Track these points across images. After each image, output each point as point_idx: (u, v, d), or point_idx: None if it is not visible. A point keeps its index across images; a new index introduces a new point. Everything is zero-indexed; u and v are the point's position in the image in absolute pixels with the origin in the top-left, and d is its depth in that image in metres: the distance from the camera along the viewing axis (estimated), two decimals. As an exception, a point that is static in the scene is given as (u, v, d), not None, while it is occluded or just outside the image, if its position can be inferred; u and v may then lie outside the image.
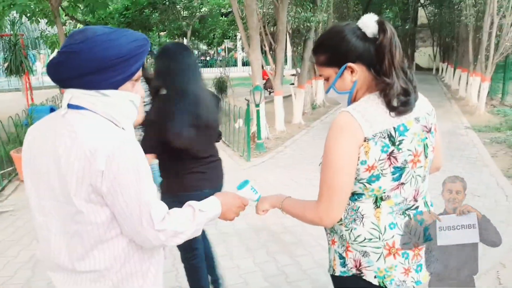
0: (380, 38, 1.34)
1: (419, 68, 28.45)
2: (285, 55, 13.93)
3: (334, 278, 1.53)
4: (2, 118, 6.70)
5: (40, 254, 1.35)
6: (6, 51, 7.90)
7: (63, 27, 7.98)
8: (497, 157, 6.74)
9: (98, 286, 1.26)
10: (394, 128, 1.34)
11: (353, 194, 1.41)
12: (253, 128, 7.73)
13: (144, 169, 1.22)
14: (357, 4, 16.31)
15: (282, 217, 3.86)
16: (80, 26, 19.85)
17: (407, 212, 1.44)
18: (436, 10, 22.84)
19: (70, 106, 1.24)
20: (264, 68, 9.09)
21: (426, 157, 1.44)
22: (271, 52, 9.32)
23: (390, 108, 1.33)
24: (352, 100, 1.44)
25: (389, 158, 1.34)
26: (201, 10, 20.97)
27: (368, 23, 1.37)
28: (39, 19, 9.42)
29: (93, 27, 1.24)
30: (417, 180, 1.43)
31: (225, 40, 25.96)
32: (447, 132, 8.65)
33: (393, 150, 1.34)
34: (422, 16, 26.61)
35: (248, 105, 7.78)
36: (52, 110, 6.91)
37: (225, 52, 34.63)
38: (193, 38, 24.36)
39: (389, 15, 18.14)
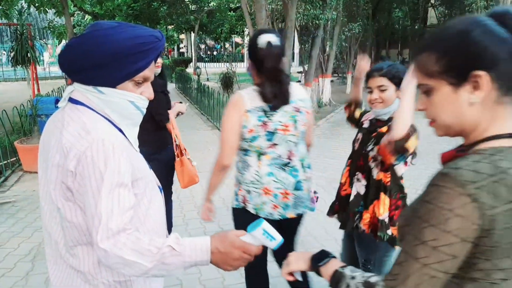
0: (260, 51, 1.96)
1: (427, 69, 28.22)
2: (293, 52, 13.86)
3: (232, 209, 2.19)
4: (7, 108, 6.68)
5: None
6: (13, 41, 7.88)
7: (71, 18, 7.96)
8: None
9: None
10: (268, 105, 1.99)
11: (244, 150, 2.05)
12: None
13: (112, 177, 1.09)
14: (367, 3, 16.17)
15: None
16: (88, 17, 19.88)
17: (284, 167, 2.05)
18: (446, 11, 22.62)
19: (70, 99, 1.23)
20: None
21: (296, 128, 2.03)
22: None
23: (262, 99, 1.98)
24: None
25: (263, 125, 1.97)
26: (210, 5, 20.91)
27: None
28: (47, 9, 9.41)
29: (103, 22, 1.20)
30: (289, 144, 2.05)
31: (233, 36, 25.89)
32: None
33: (265, 120, 1.97)
34: (432, 16, 26.37)
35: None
36: (57, 101, 6.89)
37: (232, 47, 34.55)
38: (201, 33, 24.33)
39: (398, 15, 17.98)
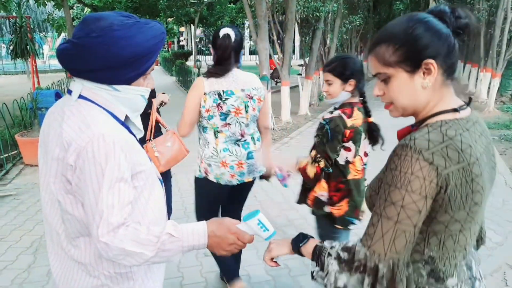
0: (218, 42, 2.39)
1: (428, 61, 28.12)
2: (293, 45, 13.80)
3: (195, 178, 2.58)
4: (8, 101, 6.67)
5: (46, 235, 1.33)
6: (12, 34, 7.84)
7: (70, 10, 7.92)
8: (506, 155, 6.65)
9: (89, 280, 1.23)
10: (223, 91, 2.37)
11: (204, 127, 2.45)
12: (259, 118, 7.67)
13: (112, 173, 1.10)
14: (368, -5, 16.11)
15: (286, 209, 3.82)
16: (87, 9, 19.76)
17: (237, 142, 2.48)
18: (448, 4, 22.47)
19: (70, 93, 1.22)
20: (271, 57, 8.98)
21: (246, 112, 2.45)
22: (279, 41, 9.20)
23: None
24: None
25: (217, 107, 2.37)
26: (210, -3, 20.74)
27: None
28: (46, 2, 9.35)
29: (109, 16, 1.16)
30: (240, 124, 2.45)
31: (233, 28, 25.75)
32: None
33: (220, 103, 2.36)
34: (438, 5, 26.20)
35: (254, 94, 7.73)
36: (57, 94, 6.87)
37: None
38: (201, 25, 24.21)
39: (399, 7, 17.89)
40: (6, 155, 5.81)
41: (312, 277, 1.16)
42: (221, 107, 2.37)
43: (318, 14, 9.49)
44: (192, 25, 22.67)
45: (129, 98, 1.23)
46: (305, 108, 10.08)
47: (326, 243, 1.16)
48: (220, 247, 1.25)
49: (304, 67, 11.38)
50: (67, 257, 1.24)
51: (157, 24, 1.24)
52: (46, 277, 3.08)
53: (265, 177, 2.73)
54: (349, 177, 2.17)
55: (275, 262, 1.32)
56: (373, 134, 2.18)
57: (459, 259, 1.08)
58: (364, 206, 2.23)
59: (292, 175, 2.51)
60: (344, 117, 2.09)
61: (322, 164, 2.11)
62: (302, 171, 2.17)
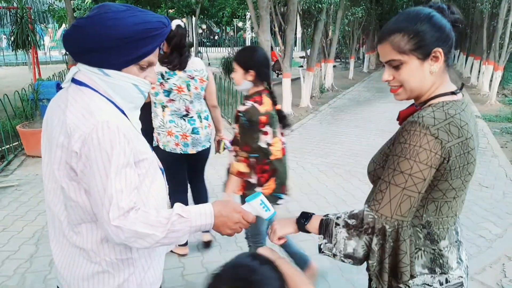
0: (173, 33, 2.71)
1: (430, 54, 27.95)
2: (295, 37, 13.73)
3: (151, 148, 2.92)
4: (9, 92, 6.67)
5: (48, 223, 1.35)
6: (12, 25, 7.81)
7: (71, 1, 7.89)
8: (507, 147, 6.64)
9: (90, 266, 1.25)
10: (165, 71, 2.79)
11: (154, 103, 2.92)
12: (260, 110, 7.66)
13: (118, 158, 1.12)
14: (370, -14, 15.98)
15: (286, 201, 3.85)
16: (88, 0, 19.66)
17: (183, 117, 2.93)
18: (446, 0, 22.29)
19: (74, 80, 1.23)
20: (273, 49, 8.94)
21: (188, 90, 2.89)
22: (280, 33, 9.16)
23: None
24: None
25: (160, 85, 2.81)
26: (211, -12, 20.60)
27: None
28: (47, -7, 9.29)
29: (111, 4, 1.20)
30: (184, 101, 2.91)
31: (234, 20, 25.64)
32: (457, 121, 8.52)
33: (162, 82, 2.80)
34: (437, 1, 26.00)
35: (255, 86, 7.70)
36: (58, 85, 6.87)
37: (234, 31, 34.23)
38: (202, 17, 24.10)
39: (402, -1, 17.81)
40: (8, 146, 5.82)
41: (320, 250, 1.24)
42: (163, 85, 2.82)
43: (320, 5, 9.44)
44: (193, 16, 22.55)
45: (120, 85, 1.22)
46: (307, 100, 10.05)
47: (331, 215, 1.26)
48: (226, 226, 1.30)
49: (305, 59, 11.33)
50: (69, 244, 1.25)
51: (154, 14, 1.23)
52: (48, 266, 3.11)
53: (216, 149, 3.28)
54: (272, 157, 2.34)
55: (282, 238, 1.40)
56: (282, 119, 2.42)
57: (450, 223, 1.25)
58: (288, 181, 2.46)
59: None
60: (257, 105, 2.26)
61: (244, 154, 2.30)
62: (238, 174, 2.33)
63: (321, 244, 1.24)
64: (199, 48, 20.02)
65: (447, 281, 1.23)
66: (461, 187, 1.20)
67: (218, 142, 3.27)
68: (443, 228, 1.23)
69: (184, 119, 2.93)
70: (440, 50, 1.18)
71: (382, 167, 1.24)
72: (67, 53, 1.33)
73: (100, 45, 1.15)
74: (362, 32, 18.96)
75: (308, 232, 1.33)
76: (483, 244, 3.53)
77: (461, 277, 1.26)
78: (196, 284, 2.96)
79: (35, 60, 8.80)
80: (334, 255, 1.22)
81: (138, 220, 1.13)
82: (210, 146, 3.14)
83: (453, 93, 1.22)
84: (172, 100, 2.87)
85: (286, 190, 2.46)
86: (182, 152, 2.96)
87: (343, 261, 1.21)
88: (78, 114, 1.14)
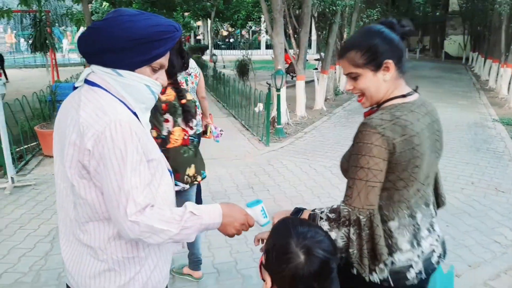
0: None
1: (448, 56, 27.58)
2: (309, 39, 13.69)
3: None
4: (28, 93, 6.82)
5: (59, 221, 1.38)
6: (31, 28, 7.99)
7: (89, 5, 8.03)
8: (525, 152, 6.50)
9: (97, 264, 1.27)
10: None
11: None
12: (273, 113, 7.65)
13: (132, 156, 1.15)
14: (386, -11, 15.87)
15: (299, 204, 3.84)
16: (106, 4, 19.97)
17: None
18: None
19: (87, 81, 1.26)
20: (287, 51, 8.94)
21: (187, 85, 3.42)
22: (295, 35, 9.15)
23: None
24: None
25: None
26: (226, -9, 20.69)
27: None
28: (66, -4, 9.48)
29: (125, 9, 1.26)
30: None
31: (249, 22, 25.72)
32: (474, 124, 8.39)
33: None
34: (454, 2, 25.70)
35: (269, 89, 7.70)
36: (75, 87, 6.98)
37: (249, 34, 34.34)
38: (217, 19, 24.22)
39: (419, 1, 17.59)
40: (26, 146, 5.95)
41: None
42: None
43: (334, 8, 9.41)
44: (208, 19, 22.71)
45: (132, 85, 1.25)
46: (321, 102, 10.02)
47: (317, 210, 1.42)
48: (232, 226, 1.36)
49: (320, 62, 11.29)
50: (77, 242, 1.28)
51: (167, 19, 1.28)
52: (62, 264, 3.15)
53: (204, 133, 3.80)
54: (168, 146, 2.49)
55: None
56: (185, 113, 2.55)
57: (401, 208, 1.39)
58: (190, 171, 2.57)
59: (224, 133, 3.87)
60: (159, 95, 2.57)
61: (154, 133, 2.44)
62: None
63: None
64: (214, 50, 20.11)
65: (392, 263, 1.37)
66: (410, 178, 1.35)
67: (206, 127, 3.87)
68: (392, 211, 1.38)
69: None
70: (390, 61, 1.36)
71: (344, 158, 1.44)
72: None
73: (115, 45, 1.19)
74: (378, 35, 18.79)
75: None
76: (498, 249, 3.47)
77: (411, 260, 1.39)
78: (207, 284, 2.98)
79: (53, 62, 8.99)
80: None
81: (154, 216, 1.17)
82: (201, 131, 3.78)
83: (403, 96, 1.40)
84: None
85: (181, 179, 2.54)
86: None
87: None
88: (91, 113, 1.17)
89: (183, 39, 3.15)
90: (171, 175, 1.45)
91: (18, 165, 5.46)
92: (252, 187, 4.85)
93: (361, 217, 1.29)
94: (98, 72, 1.25)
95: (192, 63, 3.57)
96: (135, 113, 1.28)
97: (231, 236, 1.40)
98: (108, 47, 1.20)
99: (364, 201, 1.29)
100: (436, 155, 1.45)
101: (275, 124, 7.42)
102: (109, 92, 1.23)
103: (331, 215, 1.34)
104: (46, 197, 4.50)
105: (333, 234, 1.31)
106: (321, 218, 1.36)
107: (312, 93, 10.11)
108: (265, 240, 1.45)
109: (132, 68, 1.24)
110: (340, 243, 1.32)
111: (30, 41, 7.64)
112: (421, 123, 1.37)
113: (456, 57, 27.23)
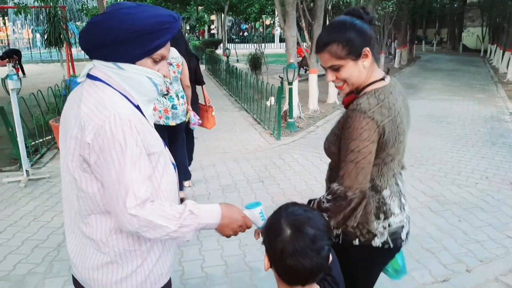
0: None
1: (466, 49, 27.05)
2: (323, 33, 13.55)
3: None
4: (43, 88, 6.93)
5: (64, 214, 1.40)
6: (46, 23, 8.11)
7: (104, 0, 8.11)
8: (543, 146, 6.35)
9: (99, 257, 1.29)
10: None
11: None
12: (285, 107, 7.62)
13: (132, 149, 1.16)
14: (402, -20, 15.57)
15: (309, 197, 3.82)
16: (120, -1, 20.14)
17: (164, 96, 3.75)
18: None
19: (89, 76, 1.28)
20: (299, 45, 8.88)
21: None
22: (309, 28, 9.08)
23: None
24: None
25: None
26: (240, -15, 20.63)
27: None
28: (80, -8, 9.57)
29: (124, 2, 1.26)
30: (165, 82, 3.64)
31: (263, 16, 25.61)
32: (490, 118, 8.22)
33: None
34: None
35: (281, 82, 7.67)
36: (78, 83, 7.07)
37: (263, 28, 34.20)
38: (231, 13, 24.19)
39: (436, -8, 17.30)
40: (41, 140, 6.06)
41: None
42: None
43: (348, 0, 9.29)
44: (222, 13, 22.68)
45: (134, 78, 1.25)
46: (334, 96, 9.94)
47: (321, 196, 1.54)
48: (229, 227, 1.36)
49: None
50: (81, 234, 1.30)
51: (165, 9, 1.27)
52: (74, 256, 3.22)
53: (187, 122, 4.12)
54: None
55: None
56: None
57: (389, 177, 1.56)
58: None
59: (200, 122, 4.40)
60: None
61: None
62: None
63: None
64: (227, 44, 20.09)
65: (389, 225, 1.56)
66: (396, 153, 1.52)
67: (187, 113, 4.17)
68: (384, 180, 1.54)
69: (165, 97, 3.78)
70: (368, 48, 1.47)
71: (334, 144, 1.55)
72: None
73: (115, 38, 1.19)
74: (394, 27, 18.53)
75: None
76: (511, 245, 3.40)
77: (402, 221, 1.60)
78: (216, 276, 3.00)
79: (68, 58, 9.11)
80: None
81: (154, 211, 1.18)
82: (186, 120, 4.04)
83: (382, 79, 1.52)
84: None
85: None
86: (164, 124, 3.80)
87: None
88: (91, 106, 1.18)
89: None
90: (174, 168, 1.45)
91: (33, 158, 5.57)
92: (262, 181, 4.85)
93: (352, 194, 1.43)
94: (99, 67, 1.26)
95: (174, 52, 3.73)
96: (138, 106, 1.29)
97: (228, 237, 1.40)
98: (108, 40, 1.20)
99: (354, 181, 1.42)
100: (409, 126, 1.61)
101: (287, 118, 7.40)
102: (111, 86, 1.24)
103: (329, 197, 1.48)
104: (60, 190, 4.55)
105: (333, 213, 1.47)
106: (323, 202, 1.49)
107: (325, 86, 10.03)
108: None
109: (133, 61, 1.24)
110: (339, 218, 1.49)
111: (45, 36, 7.75)
112: (399, 102, 1.51)
113: (474, 49, 26.68)
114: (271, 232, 1.13)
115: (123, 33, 1.19)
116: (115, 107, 1.18)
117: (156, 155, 1.29)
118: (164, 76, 1.33)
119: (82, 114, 1.17)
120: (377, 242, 1.55)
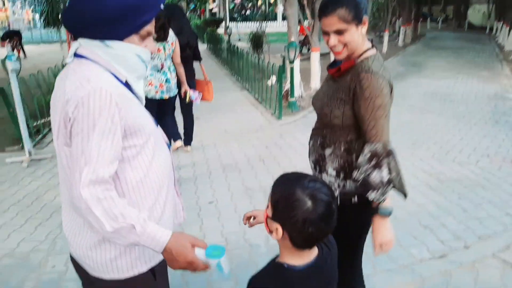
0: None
1: (471, 26, 26.60)
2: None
3: None
4: (44, 69, 6.90)
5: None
6: (44, 3, 8.02)
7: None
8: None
9: (93, 235, 1.29)
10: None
11: None
12: (287, 86, 7.57)
13: (106, 123, 1.14)
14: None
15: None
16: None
17: (159, 71, 4.05)
18: None
19: (76, 55, 1.26)
20: (301, 23, 8.75)
21: (164, 51, 4.01)
22: (310, 6, 8.93)
23: None
24: None
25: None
26: (241, -38, 20.21)
27: None
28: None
29: None
30: (160, 59, 4.03)
31: (265, -6, 25.17)
32: (494, 96, 8.15)
33: None
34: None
35: (283, 61, 7.59)
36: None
37: (265, 5, 33.69)
38: (232, -9, 23.72)
39: (442, -32, 16.92)
40: (43, 120, 6.08)
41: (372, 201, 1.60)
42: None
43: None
44: (223, -9, 22.30)
45: (122, 55, 1.24)
46: (336, 75, 9.83)
47: (356, 174, 1.62)
48: (171, 263, 1.26)
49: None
50: (75, 214, 1.30)
51: None
52: (77, 234, 3.27)
53: (183, 96, 4.49)
54: None
55: None
56: None
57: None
58: None
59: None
60: None
61: None
62: None
63: (373, 198, 1.59)
64: (229, 23, 19.81)
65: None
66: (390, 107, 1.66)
67: (185, 93, 4.48)
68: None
69: (159, 72, 4.06)
70: (367, 16, 1.61)
71: (338, 108, 1.64)
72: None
73: (101, 17, 1.18)
74: (398, 4, 18.20)
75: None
76: (510, 222, 3.42)
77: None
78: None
79: (69, 38, 9.03)
80: (383, 194, 1.58)
81: (100, 202, 1.13)
82: (177, 93, 4.33)
83: (372, 47, 1.68)
84: (152, 58, 3.89)
85: None
86: (159, 98, 4.07)
87: (387, 192, 1.59)
88: (76, 82, 1.17)
89: (169, 15, 3.89)
90: (168, 148, 1.45)
91: (36, 139, 5.59)
92: (263, 160, 4.86)
93: (390, 146, 1.58)
94: (85, 45, 1.24)
95: (169, 32, 4.07)
96: (126, 84, 1.29)
97: (175, 269, 1.28)
98: (94, 19, 1.18)
99: (388, 134, 1.58)
100: None
101: (288, 97, 7.35)
102: (98, 64, 1.23)
103: (373, 162, 1.56)
104: (62, 170, 4.61)
105: (378, 175, 1.56)
106: (367, 174, 1.57)
107: (327, 64, 9.91)
108: (256, 217, 1.72)
109: (121, 38, 1.23)
110: (385, 176, 1.56)
111: (43, 16, 7.68)
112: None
113: (479, 27, 26.24)
114: (289, 206, 1.14)
115: (109, 11, 1.17)
116: (99, 82, 1.17)
117: (143, 133, 1.27)
118: (151, 52, 1.32)
119: (67, 90, 1.17)
120: (372, 195, 1.60)
